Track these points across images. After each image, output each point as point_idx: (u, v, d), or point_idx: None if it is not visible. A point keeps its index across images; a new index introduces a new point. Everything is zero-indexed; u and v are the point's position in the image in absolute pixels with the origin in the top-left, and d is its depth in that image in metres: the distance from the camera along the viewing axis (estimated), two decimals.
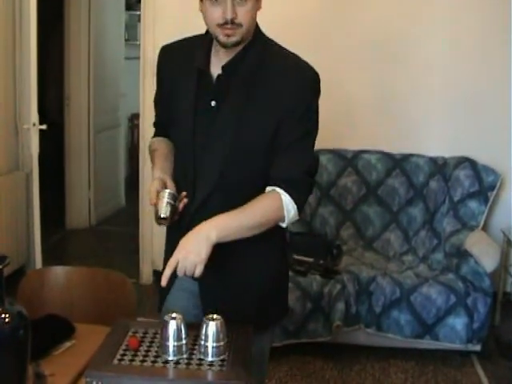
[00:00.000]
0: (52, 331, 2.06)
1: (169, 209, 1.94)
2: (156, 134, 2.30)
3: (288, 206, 1.96)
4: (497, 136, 4.77)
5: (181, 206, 1.98)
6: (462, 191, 4.55)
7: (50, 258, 4.85)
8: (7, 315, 1.58)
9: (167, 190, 1.97)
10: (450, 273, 4.16)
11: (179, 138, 2.07)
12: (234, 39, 1.88)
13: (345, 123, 4.88)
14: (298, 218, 2.02)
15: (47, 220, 4.94)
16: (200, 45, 2.01)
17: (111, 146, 6.89)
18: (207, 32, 2.00)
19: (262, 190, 1.96)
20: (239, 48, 1.93)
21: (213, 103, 1.96)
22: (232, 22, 1.84)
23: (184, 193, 1.99)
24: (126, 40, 7.27)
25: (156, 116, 2.31)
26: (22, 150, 4.87)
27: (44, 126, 4.47)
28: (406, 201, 4.66)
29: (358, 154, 4.72)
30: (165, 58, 2.14)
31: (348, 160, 4.70)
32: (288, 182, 1.96)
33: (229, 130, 1.93)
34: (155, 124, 2.32)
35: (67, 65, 6.25)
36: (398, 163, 4.69)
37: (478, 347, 4.04)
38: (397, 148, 4.77)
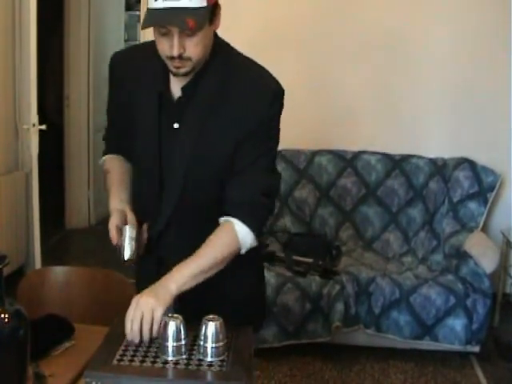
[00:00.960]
0: (51, 331, 2.05)
1: (133, 247, 1.91)
2: (108, 149, 2.24)
3: (244, 238, 1.91)
4: (496, 137, 4.77)
5: (144, 237, 1.98)
6: (462, 192, 4.55)
7: (50, 257, 4.86)
8: (7, 315, 1.58)
9: (127, 227, 1.93)
10: (450, 274, 4.16)
11: (141, 157, 2.01)
12: (183, 70, 1.81)
13: (344, 124, 4.88)
14: (256, 244, 1.96)
15: (47, 220, 4.95)
16: (157, 59, 1.87)
17: None
18: None
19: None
20: (197, 70, 1.86)
21: (175, 125, 1.92)
22: (180, 56, 1.76)
23: (145, 225, 2.00)
24: (125, 40, 7.28)
25: (108, 128, 2.24)
26: (22, 150, 4.87)
27: (43, 127, 4.49)
28: (405, 202, 4.66)
29: (358, 154, 4.72)
30: (119, 67, 2.08)
31: (347, 161, 4.70)
32: (241, 206, 1.91)
33: (186, 152, 1.90)
34: (107, 138, 2.26)
35: (67, 65, 6.25)
36: (397, 164, 4.69)
37: (477, 348, 4.04)
38: (396, 149, 4.77)
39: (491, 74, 4.75)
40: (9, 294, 1.63)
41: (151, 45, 1.89)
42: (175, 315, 1.72)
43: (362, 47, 4.81)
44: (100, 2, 6.36)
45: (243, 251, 1.94)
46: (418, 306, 3.97)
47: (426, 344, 4.05)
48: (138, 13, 6.47)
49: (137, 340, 1.75)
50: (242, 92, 1.88)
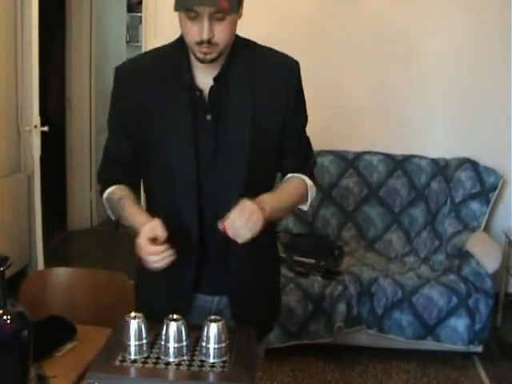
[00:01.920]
0: (54, 332, 2.06)
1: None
2: (110, 181, 2.05)
3: (312, 190, 2.09)
4: (498, 137, 4.77)
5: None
6: (464, 192, 4.55)
7: (52, 259, 4.86)
8: (9, 317, 1.58)
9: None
10: (452, 274, 4.16)
11: (173, 167, 1.91)
12: (210, 57, 1.81)
13: (346, 125, 4.88)
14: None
15: (49, 221, 4.95)
16: (174, 60, 1.91)
17: None
18: (173, 45, 1.94)
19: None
20: (223, 58, 1.88)
21: (208, 117, 1.89)
22: (209, 41, 1.77)
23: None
24: (127, 42, 7.29)
25: (109, 157, 2.10)
26: (24, 152, 4.87)
27: (45, 128, 4.49)
28: (407, 202, 4.66)
29: (360, 155, 4.72)
30: (126, 81, 1.99)
31: (349, 161, 4.70)
32: (303, 167, 2.09)
33: (243, 141, 1.90)
34: (105, 170, 2.11)
35: (69, 67, 6.26)
36: (399, 164, 4.69)
37: (479, 348, 4.04)
38: (398, 149, 4.77)
39: (493, 74, 4.75)
40: (11, 295, 1.63)
41: (157, 51, 1.98)
42: (175, 317, 1.72)
43: (364, 48, 4.81)
44: (102, 4, 6.36)
45: (307, 206, 2.12)
46: (420, 306, 3.96)
47: (429, 344, 4.04)
48: (139, 14, 6.46)
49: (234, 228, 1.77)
50: (270, 72, 1.95)
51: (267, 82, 1.94)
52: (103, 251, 5.88)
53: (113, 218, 2.04)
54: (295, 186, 2.05)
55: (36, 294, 2.49)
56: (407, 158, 4.71)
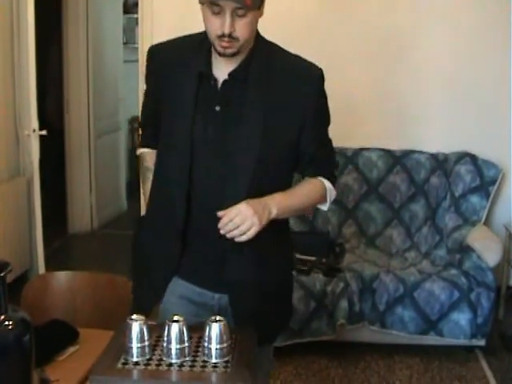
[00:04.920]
0: (56, 337, 2.06)
1: None
2: (144, 141, 2.24)
3: (331, 192, 2.10)
4: (497, 131, 4.77)
5: None
6: (464, 186, 4.55)
7: (53, 263, 4.86)
8: (11, 322, 1.58)
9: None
10: (453, 268, 4.16)
11: (174, 141, 2.01)
12: (230, 51, 1.86)
13: (345, 121, 4.85)
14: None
15: (49, 225, 4.95)
16: (197, 46, 1.98)
17: (112, 150, 6.89)
18: (205, 32, 1.97)
19: None
20: (243, 55, 1.92)
21: (217, 108, 1.94)
22: (230, 35, 1.82)
23: None
24: (124, 43, 7.27)
25: (144, 117, 2.26)
26: (23, 156, 4.87)
27: (44, 132, 4.49)
28: (407, 197, 4.66)
29: (359, 151, 4.73)
30: (156, 59, 2.10)
31: (348, 158, 4.70)
32: (326, 174, 2.10)
33: (254, 140, 1.92)
34: (143, 126, 2.28)
35: (66, 69, 6.25)
36: (398, 160, 4.69)
37: (482, 342, 4.04)
38: (397, 145, 4.77)
39: (492, 68, 4.74)
40: (12, 299, 1.64)
41: (188, 38, 2.05)
42: (177, 318, 1.72)
43: (363, 44, 4.80)
44: (98, 6, 6.35)
45: (327, 206, 2.13)
46: (422, 301, 3.97)
47: (431, 339, 4.05)
48: (136, 15, 6.45)
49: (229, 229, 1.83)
50: (291, 78, 1.97)
51: (285, 89, 1.95)
52: (104, 254, 5.88)
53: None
54: (311, 187, 2.08)
55: (37, 298, 2.49)
56: (406, 154, 4.71)
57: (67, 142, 6.36)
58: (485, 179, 4.56)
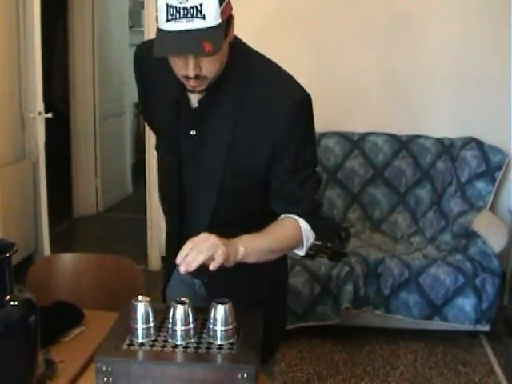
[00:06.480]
0: (61, 318, 2.07)
1: None
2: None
3: (307, 234, 1.88)
4: (503, 116, 4.74)
5: None
6: (469, 172, 4.54)
7: (58, 245, 4.87)
8: (16, 303, 1.59)
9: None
10: (458, 254, 4.16)
11: (164, 156, 1.99)
12: (199, 89, 1.74)
13: (351, 106, 4.87)
14: (313, 242, 1.93)
15: (55, 208, 4.97)
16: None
17: (117, 134, 6.90)
18: None
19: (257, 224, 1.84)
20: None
21: (192, 132, 1.85)
22: (196, 76, 1.68)
23: None
24: (130, 27, 7.25)
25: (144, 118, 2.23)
26: (29, 139, 4.87)
27: (49, 115, 4.50)
28: (413, 182, 4.65)
29: (365, 136, 4.71)
30: (142, 59, 1.97)
31: (354, 142, 4.69)
32: (303, 214, 1.88)
33: (216, 169, 1.83)
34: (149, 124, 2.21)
35: (72, 53, 6.25)
36: (404, 145, 4.68)
37: (486, 327, 4.04)
38: (403, 129, 4.75)
39: (497, 53, 4.71)
40: (18, 281, 1.64)
41: None
42: (183, 299, 1.72)
43: (368, 29, 4.78)
44: None
45: (303, 251, 1.90)
46: (427, 286, 3.97)
47: (436, 324, 4.05)
48: None
49: (187, 269, 1.63)
50: (263, 103, 1.78)
51: (255, 118, 1.78)
52: (109, 237, 5.90)
53: None
54: (284, 228, 1.86)
55: (43, 279, 2.49)
56: (412, 139, 4.69)
57: (72, 126, 6.37)
58: (491, 165, 4.54)
